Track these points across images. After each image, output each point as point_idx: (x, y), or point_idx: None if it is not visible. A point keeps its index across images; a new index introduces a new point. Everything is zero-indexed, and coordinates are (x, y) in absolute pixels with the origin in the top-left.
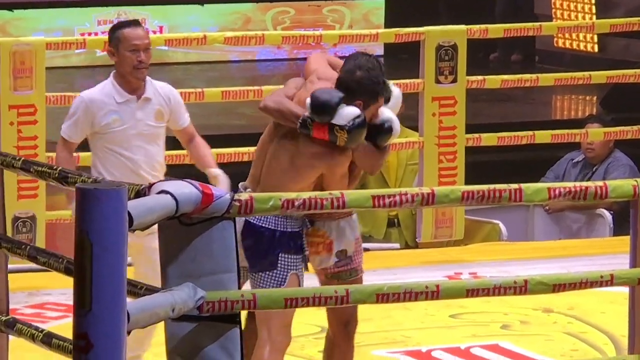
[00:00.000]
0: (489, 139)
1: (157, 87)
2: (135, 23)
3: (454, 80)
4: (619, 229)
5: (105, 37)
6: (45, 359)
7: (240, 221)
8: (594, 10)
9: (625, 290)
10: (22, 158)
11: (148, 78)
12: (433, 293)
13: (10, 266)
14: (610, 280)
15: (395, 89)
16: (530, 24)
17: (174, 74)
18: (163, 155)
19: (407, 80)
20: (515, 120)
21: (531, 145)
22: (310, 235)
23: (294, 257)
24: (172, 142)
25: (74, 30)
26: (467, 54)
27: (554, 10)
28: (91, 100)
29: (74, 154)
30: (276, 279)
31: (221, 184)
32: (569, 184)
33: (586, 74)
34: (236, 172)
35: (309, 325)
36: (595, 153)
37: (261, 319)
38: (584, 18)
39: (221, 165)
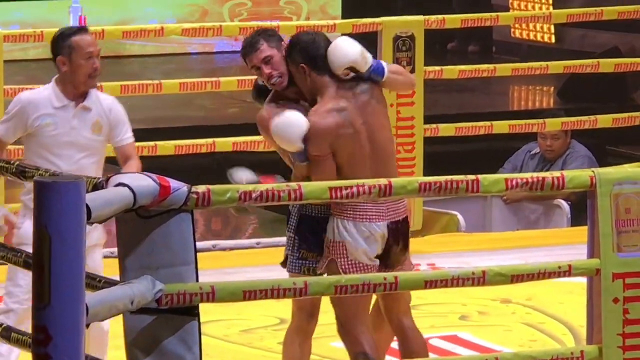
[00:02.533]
0: (446, 129)
1: (99, 98)
2: (83, 30)
3: (412, 71)
4: (576, 219)
5: (63, 28)
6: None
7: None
8: (550, 1)
9: (583, 280)
10: None
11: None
12: (391, 285)
13: None
14: (568, 271)
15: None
16: (487, 14)
17: (131, 67)
18: (98, 172)
19: None
20: (472, 110)
21: (489, 135)
22: None
23: None
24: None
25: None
26: (424, 45)
27: (510, 1)
28: (28, 101)
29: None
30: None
31: None
32: (527, 175)
33: (543, 64)
34: (194, 163)
35: (268, 317)
36: (554, 154)
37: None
38: (540, 9)
39: (179, 158)
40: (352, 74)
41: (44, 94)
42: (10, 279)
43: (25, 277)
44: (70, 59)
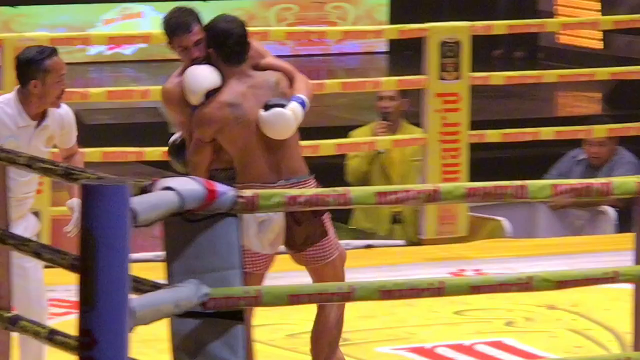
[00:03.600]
0: (492, 135)
1: (54, 112)
2: (55, 52)
3: (458, 77)
4: (623, 226)
5: (110, 32)
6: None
7: None
8: (598, 7)
9: (629, 287)
10: (27, 155)
11: None
12: (437, 290)
13: None
14: (614, 277)
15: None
16: (534, 21)
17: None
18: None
19: (411, 77)
20: (518, 117)
21: (535, 142)
22: None
23: None
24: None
25: (82, 29)
26: (470, 51)
27: (555, 7)
28: None
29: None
30: None
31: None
32: (573, 181)
33: (590, 70)
34: None
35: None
36: (600, 161)
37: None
38: (588, 15)
39: None
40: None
41: (8, 112)
42: None
43: None
44: (44, 82)
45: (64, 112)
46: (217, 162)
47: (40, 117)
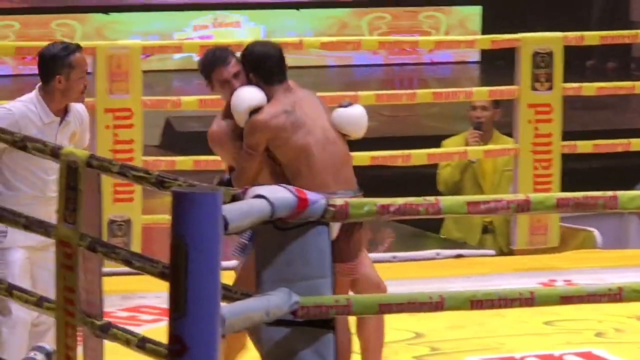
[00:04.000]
0: (584, 146)
1: (74, 108)
2: (80, 48)
3: (550, 88)
4: None
5: (202, 41)
6: None
7: None
8: None
9: None
10: (119, 163)
11: None
12: (527, 300)
13: (105, 269)
14: None
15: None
16: (627, 32)
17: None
18: None
19: (503, 87)
20: (610, 127)
21: (626, 152)
22: None
23: None
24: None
25: (170, 35)
26: (563, 61)
27: None
28: (21, 116)
29: (174, 158)
30: None
31: None
32: None
33: None
34: None
35: (403, 331)
36: None
37: None
38: None
39: None
40: None
41: (32, 109)
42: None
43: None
44: (68, 77)
45: (82, 109)
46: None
47: (62, 113)
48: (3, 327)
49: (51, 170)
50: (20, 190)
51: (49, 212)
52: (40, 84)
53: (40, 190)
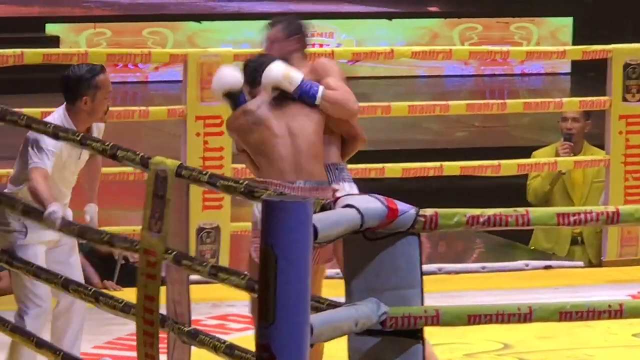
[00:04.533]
0: None
1: (95, 127)
2: (104, 69)
3: None
4: None
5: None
6: None
7: None
8: None
9: None
10: (209, 172)
11: None
12: (616, 312)
13: (194, 277)
14: None
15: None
16: None
17: (361, 88)
18: None
19: (594, 98)
20: None
21: None
22: None
23: None
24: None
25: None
26: None
27: None
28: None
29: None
30: None
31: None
32: None
33: None
34: (420, 186)
35: (492, 342)
36: None
37: None
38: None
39: (407, 180)
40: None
41: (66, 126)
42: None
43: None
44: (94, 98)
45: (101, 125)
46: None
47: (87, 132)
48: (29, 320)
49: (69, 185)
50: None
51: (67, 201)
52: (65, 103)
53: (65, 181)
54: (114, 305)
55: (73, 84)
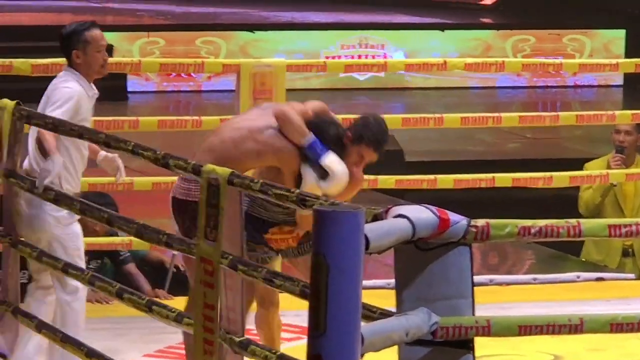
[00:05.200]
0: None
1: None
2: (95, 25)
3: None
4: None
5: (347, 60)
6: None
7: None
8: None
9: None
10: (260, 181)
11: None
12: None
13: None
14: None
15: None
16: None
17: (413, 99)
18: None
19: None
20: None
21: None
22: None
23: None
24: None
25: (318, 53)
26: None
27: None
28: (80, 93)
29: None
30: None
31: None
32: None
33: None
34: (475, 198)
35: (543, 354)
36: None
37: None
38: None
39: (459, 192)
40: None
41: (83, 85)
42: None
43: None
44: (85, 52)
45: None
46: None
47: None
48: (73, 303)
49: (84, 160)
50: (69, 171)
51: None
52: (66, 65)
53: (81, 168)
54: (166, 314)
55: (64, 40)
